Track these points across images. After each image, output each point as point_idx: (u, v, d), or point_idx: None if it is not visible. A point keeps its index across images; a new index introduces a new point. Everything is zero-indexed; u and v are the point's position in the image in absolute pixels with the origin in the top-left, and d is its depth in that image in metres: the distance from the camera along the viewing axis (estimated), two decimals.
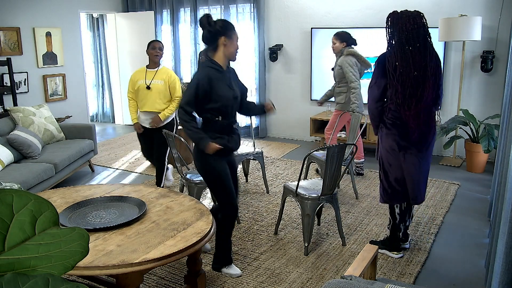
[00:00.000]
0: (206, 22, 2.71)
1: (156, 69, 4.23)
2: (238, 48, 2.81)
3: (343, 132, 5.83)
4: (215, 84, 2.70)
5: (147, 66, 4.27)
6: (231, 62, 2.88)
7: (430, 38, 2.92)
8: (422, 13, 2.94)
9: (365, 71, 4.94)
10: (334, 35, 4.86)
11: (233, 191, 2.90)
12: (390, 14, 2.94)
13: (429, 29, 2.93)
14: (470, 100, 5.53)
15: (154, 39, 4.36)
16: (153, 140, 4.33)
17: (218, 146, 2.73)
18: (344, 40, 4.79)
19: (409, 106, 2.86)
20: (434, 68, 2.87)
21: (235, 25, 2.84)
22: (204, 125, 2.82)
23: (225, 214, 2.91)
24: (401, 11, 2.92)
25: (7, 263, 0.67)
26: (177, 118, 4.06)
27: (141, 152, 4.81)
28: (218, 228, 2.90)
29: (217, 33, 2.71)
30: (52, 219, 0.69)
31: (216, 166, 2.82)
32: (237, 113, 2.97)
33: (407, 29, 2.83)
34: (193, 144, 2.91)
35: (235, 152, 4.60)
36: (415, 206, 3.43)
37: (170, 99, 4.28)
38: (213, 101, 2.73)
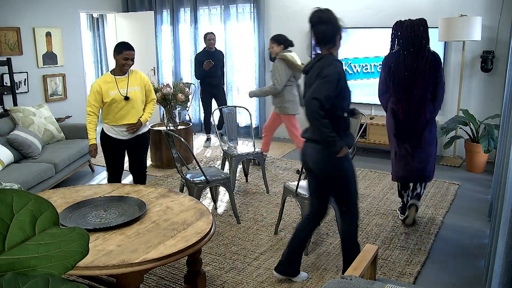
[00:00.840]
0: (329, 17, 2.62)
1: (126, 75, 3.70)
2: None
3: None
4: (344, 79, 2.60)
5: (113, 73, 3.72)
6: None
7: (427, 43, 3.36)
8: (425, 21, 3.37)
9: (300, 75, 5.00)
10: (270, 38, 5.03)
11: None
12: (395, 23, 3.46)
13: (428, 34, 3.37)
14: (470, 100, 5.53)
15: (125, 42, 3.67)
16: (123, 154, 3.84)
17: (347, 149, 2.58)
18: (281, 42, 4.90)
19: (399, 100, 3.43)
20: (423, 69, 3.32)
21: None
22: (333, 124, 2.53)
23: (355, 215, 2.78)
24: (404, 20, 3.40)
25: (7, 263, 0.67)
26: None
27: (107, 178, 3.96)
28: (347, 234, 2.78)
29: (338, 29, 2.66)
30: (52, 219, 0.69)
31: (350, 167, 2.67)
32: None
33: (403, 37, 3.35)
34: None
35: (239, 152, 4.59)
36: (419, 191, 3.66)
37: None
38: (343, 97, 2.59)
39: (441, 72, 3.44)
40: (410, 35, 3.32)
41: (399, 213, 3.92)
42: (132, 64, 3.69)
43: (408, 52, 3.34)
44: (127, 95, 3.64)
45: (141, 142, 3.82)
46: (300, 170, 3.40)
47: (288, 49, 4.93)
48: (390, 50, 3.49)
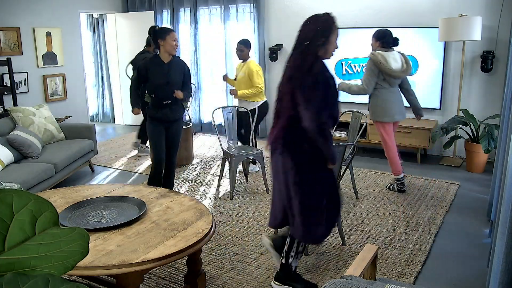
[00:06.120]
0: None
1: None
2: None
3: (343, 132, 5.83)
4: None
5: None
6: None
7: (312, 45, 2.61)
8: (326, 17, 2.67)
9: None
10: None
11: None
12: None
13: (318, 34, 2.62)
14: (470, 100, 5.53)
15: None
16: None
17: None
18: (378, 39, 4.35)
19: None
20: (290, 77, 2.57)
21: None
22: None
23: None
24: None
25: (7, 263, 0.67)
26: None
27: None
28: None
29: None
30: (52, 219, 0.69)
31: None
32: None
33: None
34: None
35: (239, 152, 4.60)
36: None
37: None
38: None
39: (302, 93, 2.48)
40: (300, 29, 2.70)
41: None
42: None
43: (293, 50, 2.69)
44: None
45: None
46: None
47: (391, 47, 4.33)
48: None
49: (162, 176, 4.10)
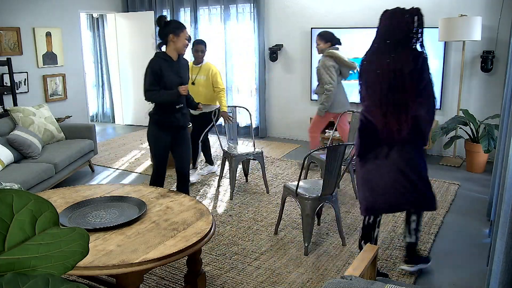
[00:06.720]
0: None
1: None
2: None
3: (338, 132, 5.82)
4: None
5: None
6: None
7: (415, 38, 2.58)
8: (416, 10, 2.61)
9: (350, 73, 4.99)
10: (318, 35, 4.99)
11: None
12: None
13: (416, 27, 2.58)
14: (470, 100, 5.53)
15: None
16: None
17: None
18: (328, 40, 4.86)
19: (372, 108, 2.69)
20: (404, 69, 2.54)
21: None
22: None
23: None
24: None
25: (7, 263, 0.67)
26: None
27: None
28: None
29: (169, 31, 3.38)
30: (52, 219, 0.69)
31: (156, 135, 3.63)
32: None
33: (383, 26, 2.67)
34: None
35: (239, 152, 4.59)
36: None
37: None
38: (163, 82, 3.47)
39: (425, 80, 2.56)
40: (390, 22, 2.60)
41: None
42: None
43: (384, 45, 2.62)
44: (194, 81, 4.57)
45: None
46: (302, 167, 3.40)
47: (335, 46, 4.87)
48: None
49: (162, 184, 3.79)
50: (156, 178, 3.76)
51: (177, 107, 3.54)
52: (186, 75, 3.63)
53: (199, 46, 4.69)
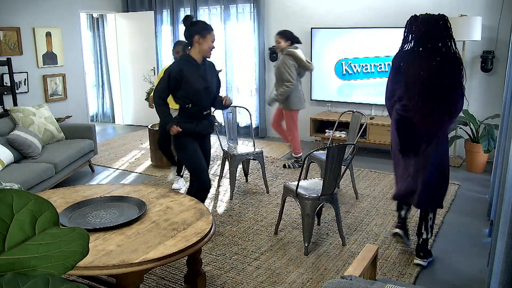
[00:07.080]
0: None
1: None
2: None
3: (343, 132, 5.83)
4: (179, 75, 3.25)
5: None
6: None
7: (450, 41, 2.85)
8: (445, 16, 2.88)
9: (306, 72, 5.28)
10: (278, 33, 5.13)
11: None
12: (409, 18, 3.01)
13: (450, 31, 2.86)
14: (470, 100, 5.52)
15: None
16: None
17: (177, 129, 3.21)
18: (289, 38, 5.05)
19: (410, 107, 2.93)
20: (443, 71, 2.81)
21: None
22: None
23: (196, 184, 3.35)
24: (420, 15, 2.95)
25: (7, 263, 0.67)
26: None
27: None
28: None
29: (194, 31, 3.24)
30: (52, 219, 0.69)
31: (184, 143, 3.31)
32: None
33: (419, 31, 2.87)
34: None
35: (239, 152, 4.59)
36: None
37: None
38: (183, 90, 3.28)
39: (461, 82, 2.84)
40: (427, 28, 2.83)
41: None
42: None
43: (424, 49, 2.87)
44: None
45: None
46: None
47: (295, 45, 5.06)
48: (400, 48, 3.02)
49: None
50: (198, 188, 3.33)
51: (204, 113, 3.33)
52: (213, 79, 3.36)
53: (181, 47, 4.39)
